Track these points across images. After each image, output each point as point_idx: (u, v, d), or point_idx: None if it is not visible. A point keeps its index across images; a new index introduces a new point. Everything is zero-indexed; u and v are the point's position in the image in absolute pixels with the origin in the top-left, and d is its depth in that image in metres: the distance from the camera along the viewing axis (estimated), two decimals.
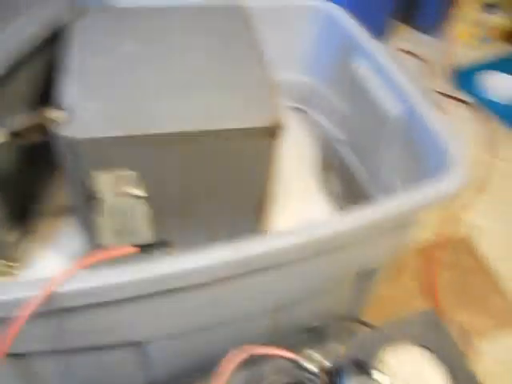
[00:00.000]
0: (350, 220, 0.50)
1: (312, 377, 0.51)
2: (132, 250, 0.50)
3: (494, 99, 1.40)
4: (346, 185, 0.78)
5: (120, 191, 0.54)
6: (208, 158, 0.53)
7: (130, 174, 0.53)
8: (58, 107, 0.51)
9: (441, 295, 0.94)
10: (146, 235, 0.61)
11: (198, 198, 0.58)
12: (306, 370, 0.51)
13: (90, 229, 0.59)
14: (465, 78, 1.47)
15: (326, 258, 0.55)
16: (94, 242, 0.61)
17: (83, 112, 0.50)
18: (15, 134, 0.50)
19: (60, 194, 0.73)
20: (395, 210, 0.52)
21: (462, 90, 1.44)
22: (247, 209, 0.61)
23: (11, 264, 0.64)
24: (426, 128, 0.60)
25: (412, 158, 0.64)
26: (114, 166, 0.52)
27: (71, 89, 0.53)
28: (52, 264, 0.66)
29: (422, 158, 0.61)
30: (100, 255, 0.46)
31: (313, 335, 0.61)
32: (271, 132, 0.51)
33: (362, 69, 0.71)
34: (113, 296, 0.45)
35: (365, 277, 0.64)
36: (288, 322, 0.62)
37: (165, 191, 0.56)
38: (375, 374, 0.48)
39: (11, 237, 0.63)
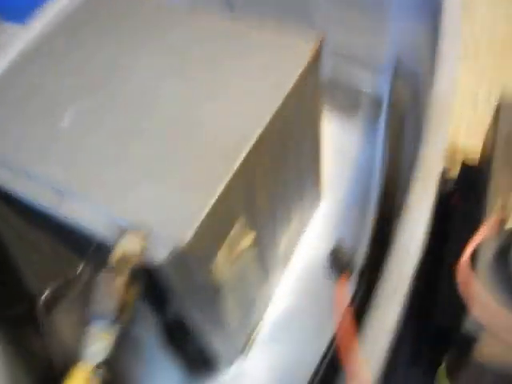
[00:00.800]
0: None
1: None
2: None
3: None
4: None
5: (236, 253, 0.46)
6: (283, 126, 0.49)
7: (240, 223, 0.45)
8: (131, 235, 0.39)
9: None
10: (258, 278, 0.55)
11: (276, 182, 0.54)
12: None
13: (216, 322, 0.51)
14: None
15: None
16: (221, 333, 0.53)
17: (153, 220, 0.39)
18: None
19: None
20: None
21: None
22: (312, 155, 0.61)
23: None
24: None
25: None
26: (227, 231, 0.44)
27: (103, 208, 0.41)
28: None
29: None
30: None
31: None
32: (316, 55, 0.49)
33: None
34: None
35: None
36: None
37: (257, 208, 0.50)
38: None
39: None
